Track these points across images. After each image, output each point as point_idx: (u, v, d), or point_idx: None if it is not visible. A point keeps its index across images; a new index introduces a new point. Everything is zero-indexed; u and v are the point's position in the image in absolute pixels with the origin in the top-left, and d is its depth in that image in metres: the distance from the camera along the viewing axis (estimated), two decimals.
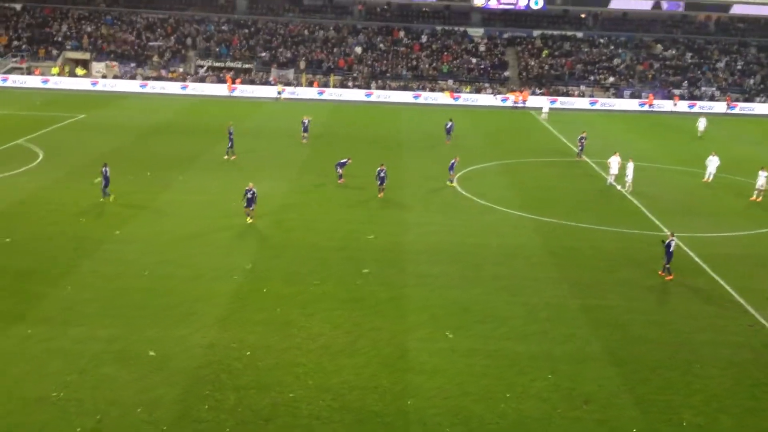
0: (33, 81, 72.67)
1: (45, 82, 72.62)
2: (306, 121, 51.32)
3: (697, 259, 30.07)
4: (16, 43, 78.42)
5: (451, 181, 40.27)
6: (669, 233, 29.05)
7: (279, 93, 71.63)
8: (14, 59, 76.14)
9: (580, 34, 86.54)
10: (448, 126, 53.87)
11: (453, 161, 40.24)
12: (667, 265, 27.86)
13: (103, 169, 34.44)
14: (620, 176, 41.23)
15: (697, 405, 19.42)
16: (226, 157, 44.03)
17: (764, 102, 77.45)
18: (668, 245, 27.61)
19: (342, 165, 39.68)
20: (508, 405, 18.86)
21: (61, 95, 67.53)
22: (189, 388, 18.93)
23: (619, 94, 77.57)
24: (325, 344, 21.52)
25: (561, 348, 22.02)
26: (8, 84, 72.01)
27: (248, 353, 20.80)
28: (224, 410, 18.03)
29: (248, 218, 32.03)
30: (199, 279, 25.90)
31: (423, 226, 33.08)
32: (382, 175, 36.75)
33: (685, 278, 28.06)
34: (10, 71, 74.54)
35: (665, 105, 74.70)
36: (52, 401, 18.04)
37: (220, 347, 21.07)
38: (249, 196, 31.66)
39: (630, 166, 40.58)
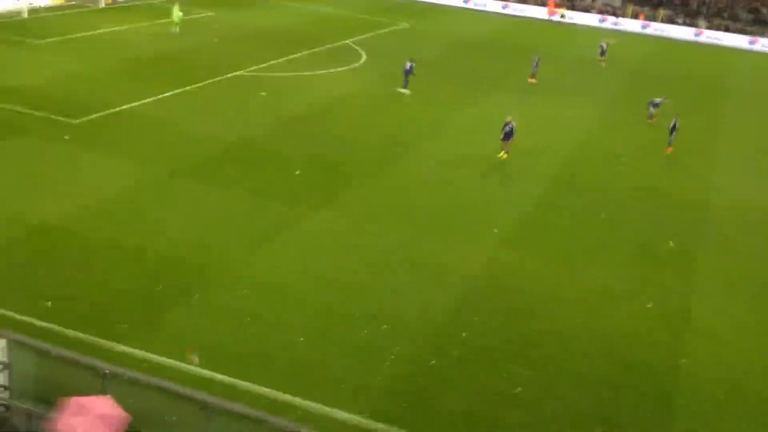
0: None
1: None
2: (605, 44, 50.07)
3: None
4: None
5: None
6: None
7: (562, 17, 69.67)
8: None
9: None
10: None
11: None
12: None
13: (408, 64, 37.91)
14: None
15: None
16: (531, 80, 43.81)
17: None
18: None
19: (656, 105, 37.27)
20: None
21: (389, 3, 70.90)
22: (463, 299, 19.57)
23: None
24: (606, 288, 20.90)
25: None
26: None
27: (523, 279, 20.91)
28: (491, 327, 18.43)
29: (502, 153, 30.11)
30: (488, 202, 26.24)
31: (737, 186, 30.25)
32: (506, 130, 29.83)
33: None
34: None
35: None
36: (347, 285, 19.54)
37: (497, 269, 21.38)
38: (507, 129, 29.85)
39: None
